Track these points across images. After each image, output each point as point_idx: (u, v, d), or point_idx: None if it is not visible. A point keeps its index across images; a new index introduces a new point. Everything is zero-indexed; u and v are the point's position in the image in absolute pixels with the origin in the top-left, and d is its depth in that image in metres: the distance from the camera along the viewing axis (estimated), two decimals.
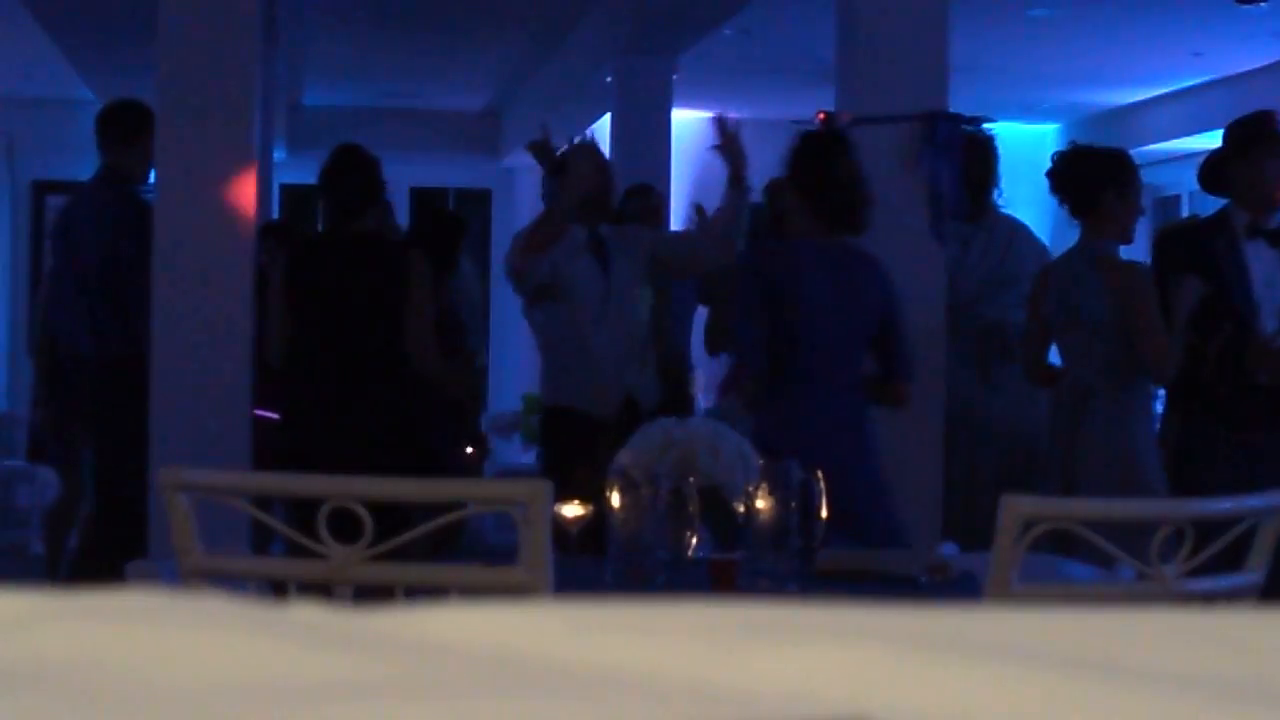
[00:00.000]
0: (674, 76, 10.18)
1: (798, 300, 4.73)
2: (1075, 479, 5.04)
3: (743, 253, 5.53)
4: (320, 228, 7.26)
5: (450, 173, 14.80)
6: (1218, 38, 10.02)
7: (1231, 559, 3.20)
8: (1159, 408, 5.43)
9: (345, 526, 2.83)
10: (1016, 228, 5.90)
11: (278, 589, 3.11)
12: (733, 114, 5.94)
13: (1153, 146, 11.77)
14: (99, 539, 6.16)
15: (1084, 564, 3.78)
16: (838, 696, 0.63)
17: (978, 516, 5.32)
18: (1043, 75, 11.61)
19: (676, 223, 9.84)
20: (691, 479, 3.65)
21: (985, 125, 5.75)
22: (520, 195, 14.60)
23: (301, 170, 13.48)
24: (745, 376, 4.79)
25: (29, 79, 12.44)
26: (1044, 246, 6.04)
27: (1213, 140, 5.56)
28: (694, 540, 3.60)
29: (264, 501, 4.37)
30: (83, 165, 11.52)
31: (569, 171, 5.95)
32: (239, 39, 5.21)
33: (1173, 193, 12.71)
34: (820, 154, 4.89)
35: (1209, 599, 3.18)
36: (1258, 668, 0.69)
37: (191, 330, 5.14)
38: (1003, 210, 5.90)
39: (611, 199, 6.12)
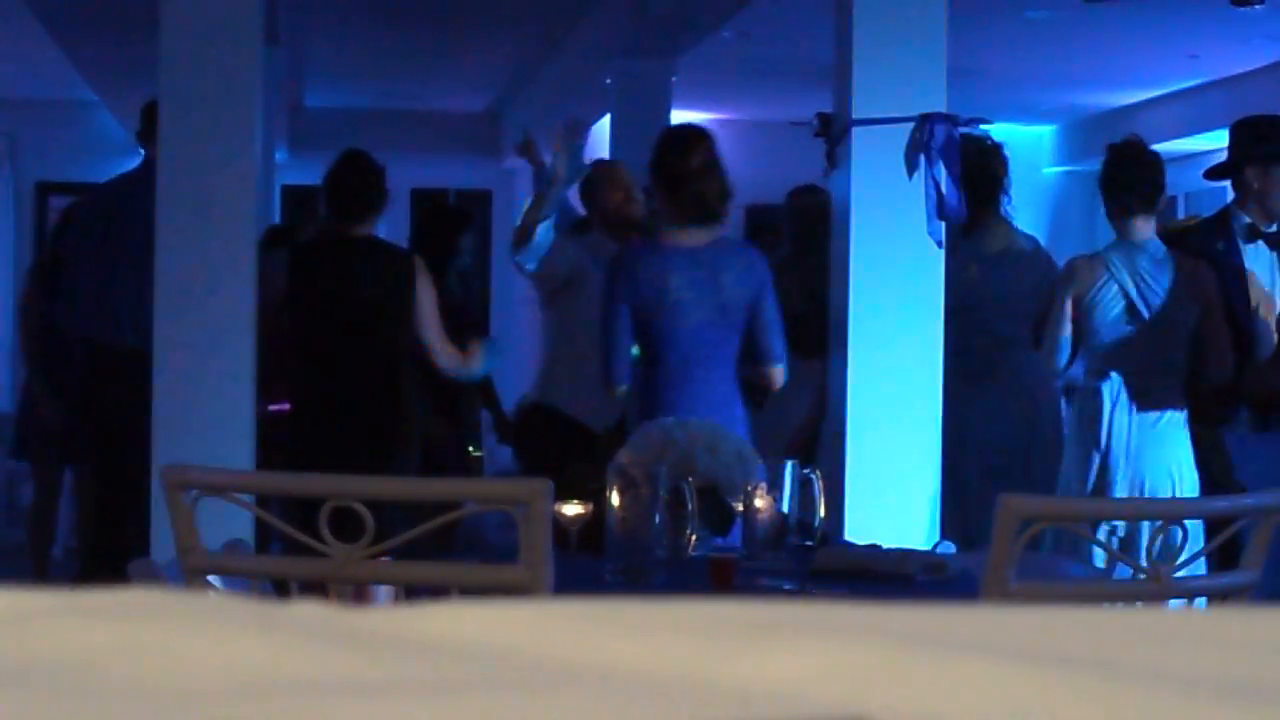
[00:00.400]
0: (673, 79, 10.17)
1: (659, 297, 4.80)
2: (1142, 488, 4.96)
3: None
4: (305, 229, 7.27)
5: (450, 174, 14.79)
6: (1214, 40, 10.01)
7: (1228, 558, 3.21)
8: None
9: (346, 525, 2.83)
10: (1012, 247, 5.79)
11: (279, 587, 3.11)
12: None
13: (1152, 148, 11.76)
14: (106, 536, 6.13)
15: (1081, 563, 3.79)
16: (836, 694, 0.64)
17: (969, 524, 5.32)
18: (1040, 77, 11.60)
19: None
20: (690, 478, 3.65)
21: (982, 127, 5.73)
22: (520, 196, 14.57)
23: (303, 171, 13.47)
24: (607, 378, 4.92)
25: (32, 80, 12.43)
26: (1049, 263, 5.97)
27: (1210, 142, 5.57)
28: (692, 539, 3.60)
29: (266, 500, 4.38)
30: (84, 166, 11.53)
31: (592, 191, 6.00)
32: (240, 40, 5.21)
33: (1169, 194, 12.70)
34: (677, 146, 4.95)
35: (1205, 597, 3.18)
36: (1253, 665, 0.69)
37: (193, 330, 5.14)
38: (1008, 217, 5.82)
39: (637, 213, 6.07)
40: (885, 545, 3.96)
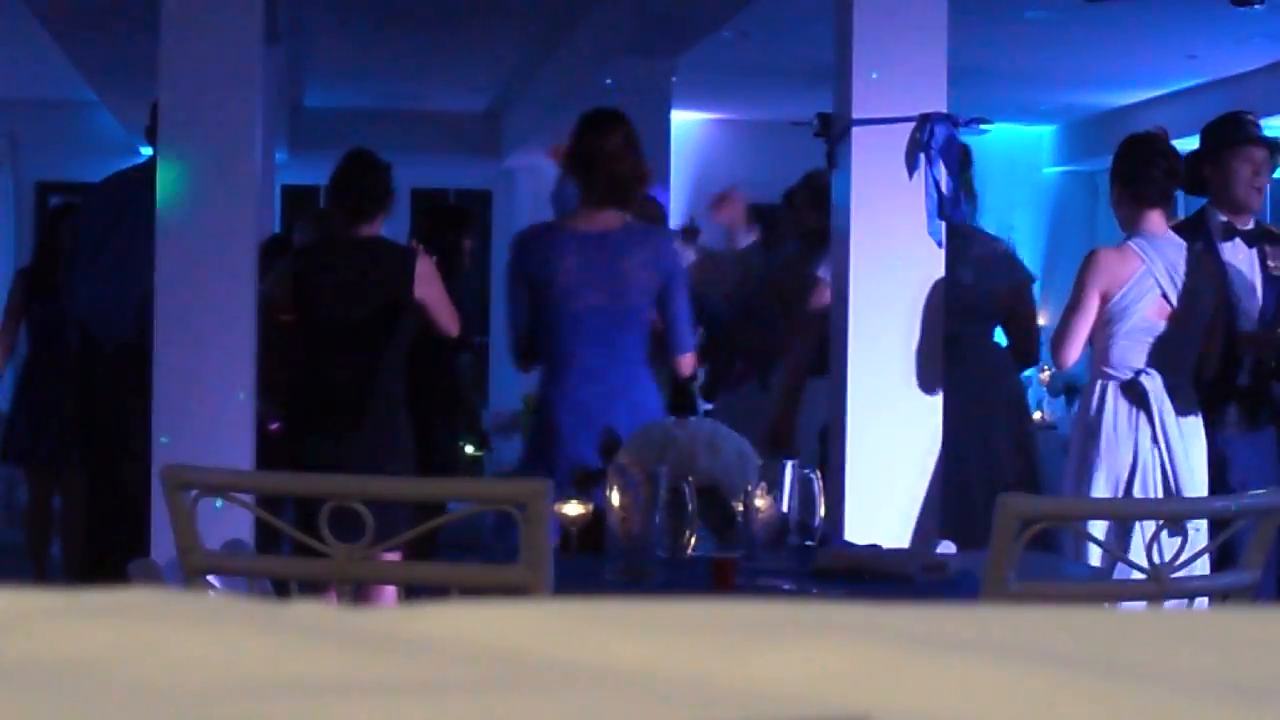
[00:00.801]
0: (673, 79, 10.17)
1: (551, 282, 4.85)
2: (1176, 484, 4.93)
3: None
4: (301, 233, 7.27)
5: (451, 174, 14.80)
6: (1213, 40, 10.02)
7: (1227, 557, 3.21)
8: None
9: (346, 524, 2.83)
10: (975, 243, 5.75)
11: (279, 587, 3.12)
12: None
13: None
14: (109, 539, 6.12)
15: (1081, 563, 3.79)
16: (836, 694, 0.64)
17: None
18: (1040, 77, 11.60)
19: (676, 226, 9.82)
20: (690, 478, 3.65)
21: (982, 127, 5.73)
22: (520, 196, 14.59)
23: (303, 172, 13.49)
24: (513, 359, 5.09)
25: (33, 80, 12.43)
26: (1017, 265, 5.94)
27: None
28: (693, 539, 3.60)
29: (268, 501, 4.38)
30: (84, 166, 11.53)
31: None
32: (240, 41, 5.21)
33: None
34: (593, 127, 4.98)
35: (1205, 597, 3.18)
36: (1253, 665, 0.69)
37: (193, 330, 5.14)
38: (975, 220, 5.80)
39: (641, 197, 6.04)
40: (885, 545, 3.96)
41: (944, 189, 5.27)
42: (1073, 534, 4.43)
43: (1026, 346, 5.84)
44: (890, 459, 5.29)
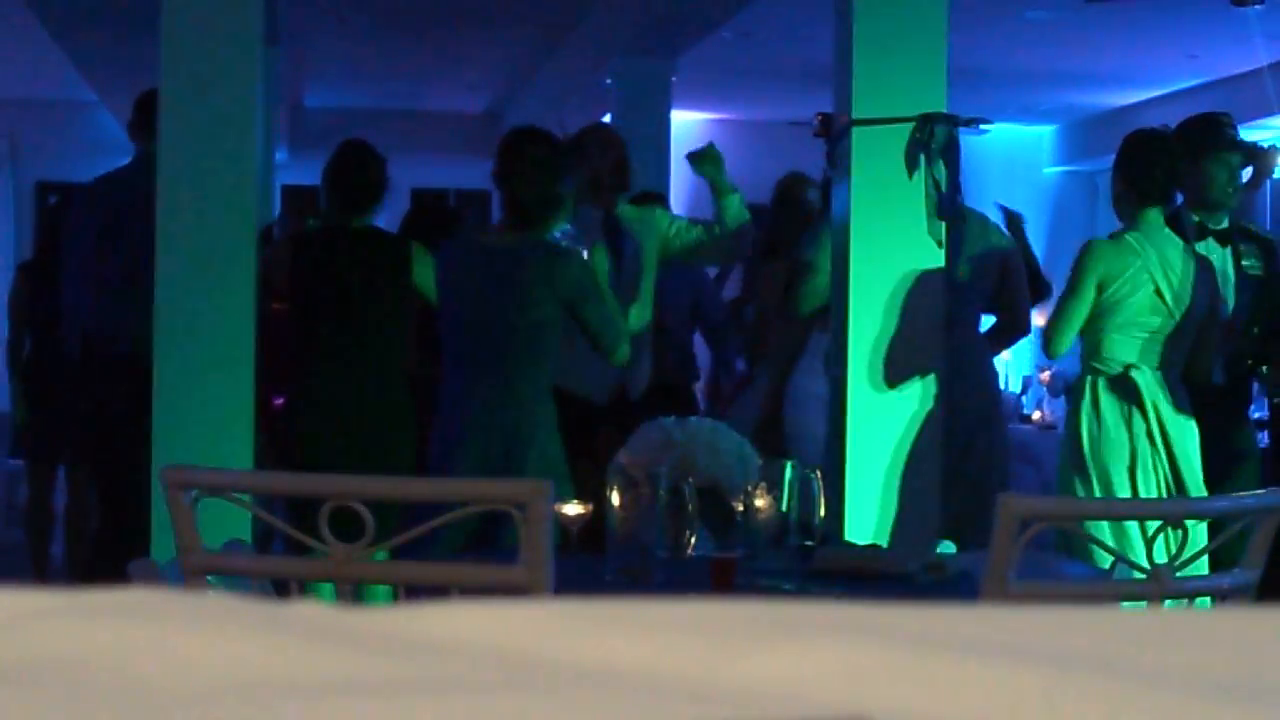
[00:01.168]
0: (673, 79, 10.17)
1: (451, 295, 4.90)
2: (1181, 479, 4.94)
3: None
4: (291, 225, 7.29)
5: (450, 174, 14.80)
6: (1214, 40, 10.02)
7: (1227, 557, 3.21)
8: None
9: (345, 523, 2.83)
10: (963, 225, 5.79)
11: (279, 587, 3.11)
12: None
13: None
14: (111, 539, 6.12)
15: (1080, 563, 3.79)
16: (836, 694, 0.64)
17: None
18: (1040, 77, 11.61)
19: None
20: (691, 478, 3.65)
21: (982, 126, 5.74)
22: None
23: (303, 171, 13.48)
24: None
25: (33, 81, 12.44)
26: (1002, 240, 5.93)
27: None
28: (692, 539, 3.60)
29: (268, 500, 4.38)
30: (84, 166, 11.54)
31: (580, 151, 5.90)
32: (241, 40, 5.21)
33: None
34: (504, 146, 4.97)
35: (1205, 597, 3.18)
36: (1253, 666, 0.69)
37: (193, 330, 5.14)
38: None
39: (627, 179, 5.99)
40: (885, 545, 3.97)
41: (944, 189, 5.27)
42: (1075, 534, 4.43)
43: (1014, 316, 5.86)
44: (890, 459, 5.29)
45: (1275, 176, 6.83)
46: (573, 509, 3.59)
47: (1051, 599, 2.99)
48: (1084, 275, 5.04)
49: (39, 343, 7.70)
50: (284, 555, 4.17)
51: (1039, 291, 6.43)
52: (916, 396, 5.33)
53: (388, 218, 6.13)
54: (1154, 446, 4.95)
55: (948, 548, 3.93)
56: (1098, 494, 4.95)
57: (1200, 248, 5.31)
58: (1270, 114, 9.94)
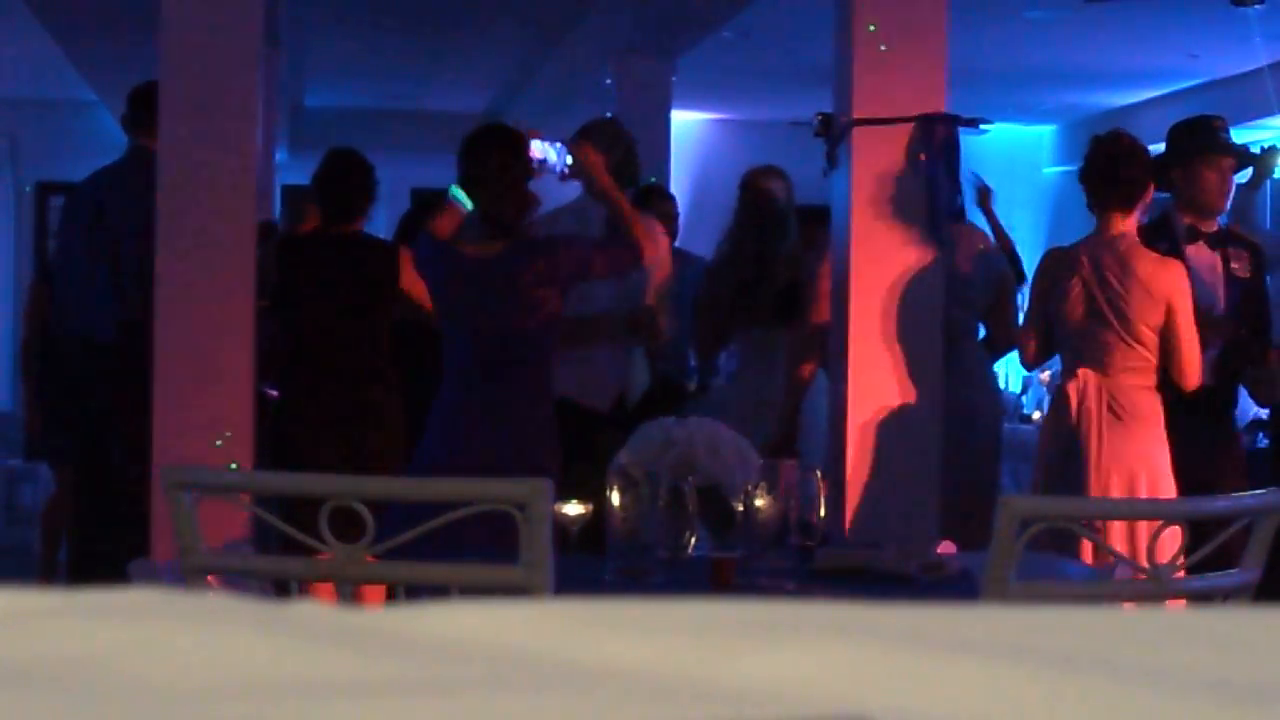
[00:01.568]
0: (673, 79, 10.17)
1: (437, 298, 4.92)
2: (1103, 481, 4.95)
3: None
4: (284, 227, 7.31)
5: (451, 174, 14.72)
6: (1214, 40, 10.02)
7: (1227, 557, 3.20)
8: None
9: (342, 523, 2.83)
10: (969, 237, 5.86)
11: (279, 587, 3.11)
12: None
13: (1149, 148, 11.76)
14: (102, 534, 6.12)
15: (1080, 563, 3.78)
16: (836, 694, 0.64)
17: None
18: (1040, 77, 11.60)
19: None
20: (690, 478, 3.65)
21: (982, 126, 5.75)
22: None
23: (303, 171, 13.44)
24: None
25: (33, 81, 12.43)
26: (1001, 260, 6.08)
27: None
28: (692, 539, 3.60)
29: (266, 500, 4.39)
30: (84, 166, 11.52)
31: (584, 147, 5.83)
32: (241, 41, 5.21)
33: (1166, 194, 12.69)
34: (478, 153, 4.97)
35: (1205, 597, 3.18)
36: (1253, 666, 0.69)
37: (193, 330, 5.14)
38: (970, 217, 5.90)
39: (634, 173, 5.91)
40: (884, 545, 3.96)
41: (944, 189, 5.27)
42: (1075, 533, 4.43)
43: (1004, 334, 5.96)
44: (890, 459, 5.29)
45: (1275, 177, 6.83)
46: (573, 509, 3.59)
47: (1051, 599, 2.98)
48: (1033, 285, 5.22)
49: (46, 343, 7.72)
50: (284, 555, 4.17)
51: (1018, 274, 6.50)
52: (916, 396, 5.32)
53: (389, 217, 6.14)
54: (1076, 453, 4.98)
55: (947, 548, 3.93)
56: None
57: (1191, 251, 5.31)
58: (1270, 114, 9.93)
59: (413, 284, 5.69)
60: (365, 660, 0.67)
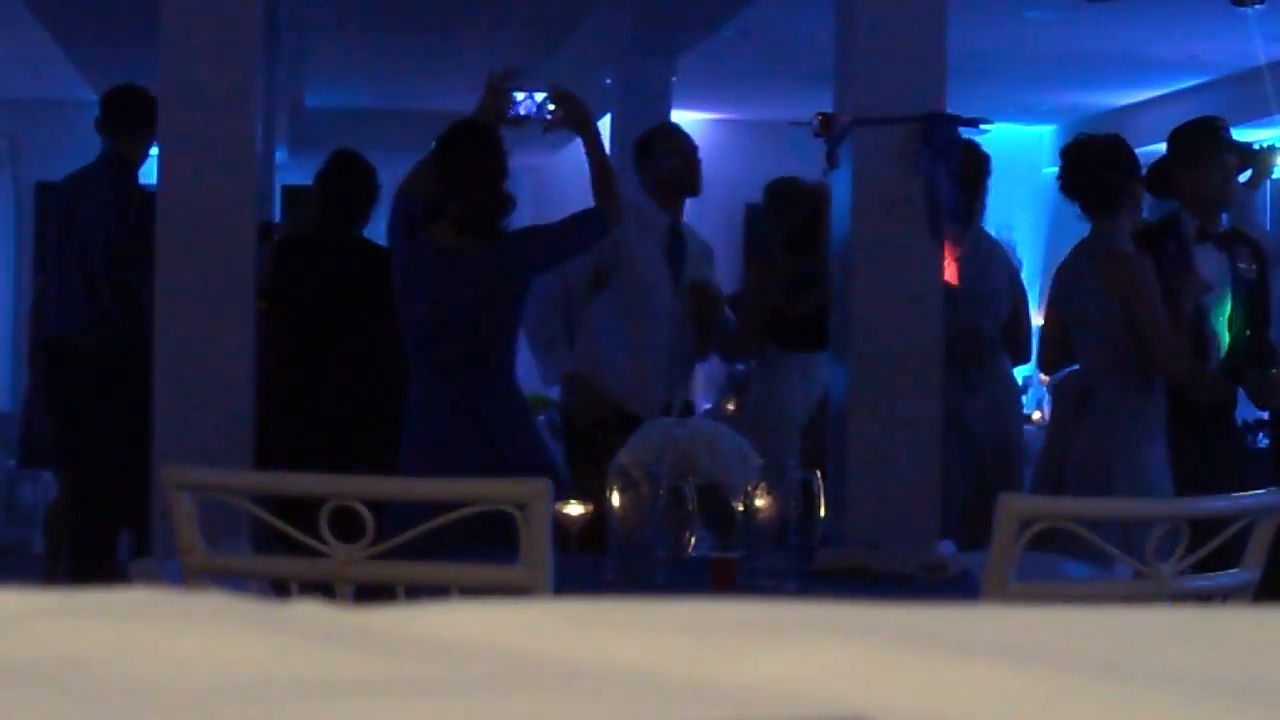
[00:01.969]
0: (674, 78, 10.16)
1: (416, 295, 4.88)
2: (1063, 479, 5.02)
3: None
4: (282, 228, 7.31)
5: None
6: (1213, 40, 10.02)
7: (1227, 557, 3.20)
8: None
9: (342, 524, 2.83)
10: (994, 248, 5.90)
11: (279, 587, 3.11)
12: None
13: (1149, 148, 11.74)
14: (92, 534, 6.15)
15: (1080, 563, 3.78)
16: (836, 694, 0.64)
17: (951, 515, 5.36)
18: (1040, 76, 11.60)
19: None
20: (690, 478, 3.65)
21: (983, 127, 5.73)
22: (520, 196, 14.56)
23: (303, 171, 13.45)
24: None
25: (33, 81, 12.43)
26: (1017, 267, 6.11)
27: None
28: (693, 539, 3.60)
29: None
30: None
31: (649, 153, 5.79)
32: (240, 41, 5.21)
33: (1173, 199, 12.67)
34: (455, 150, 4.90)
35: (1205, 597, 3.18)
36: (1253, 666, 0.69)
37: (192, 330, 5.14)
38: (984, 223, 5.90)
39: (695, 183, 5.87)
40: (885, 545, 3.97)
41: (944, 189, 5.27)
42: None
43: (1021, 339, 6.02)
44: (890, 459, 5.29)
45: (1275, 176, 6.83)
46: (573, 509, 3.59)
47: (1051, 599, 2.98)
48: (1049, 299, 5.36)
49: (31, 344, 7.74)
50: (284, 555, 4.17)
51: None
52: (917, 396, 5.32)
53: (367, 222, 6.14)
54: (1050, 450, 5.07)
55: (947, 548, 3.93)
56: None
57: (1199, 251, 5.33)
58: (1270, 114, 9.93)
59: None
60: (365, 660, 0.67)
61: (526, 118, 5.16)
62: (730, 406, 7.68)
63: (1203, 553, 3.07)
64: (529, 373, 5.49)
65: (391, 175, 5.96)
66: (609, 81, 10.27)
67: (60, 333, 6.18)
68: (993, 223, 5.96)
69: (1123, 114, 12.46)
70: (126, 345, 5.90)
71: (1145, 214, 5.62)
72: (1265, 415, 6.14)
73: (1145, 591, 2.99)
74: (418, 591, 2.94)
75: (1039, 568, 3.36)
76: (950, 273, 5.48)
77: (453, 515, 2.85)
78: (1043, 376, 9.88)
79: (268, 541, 5.71)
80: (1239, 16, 8.56)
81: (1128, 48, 10.48)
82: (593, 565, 3.39)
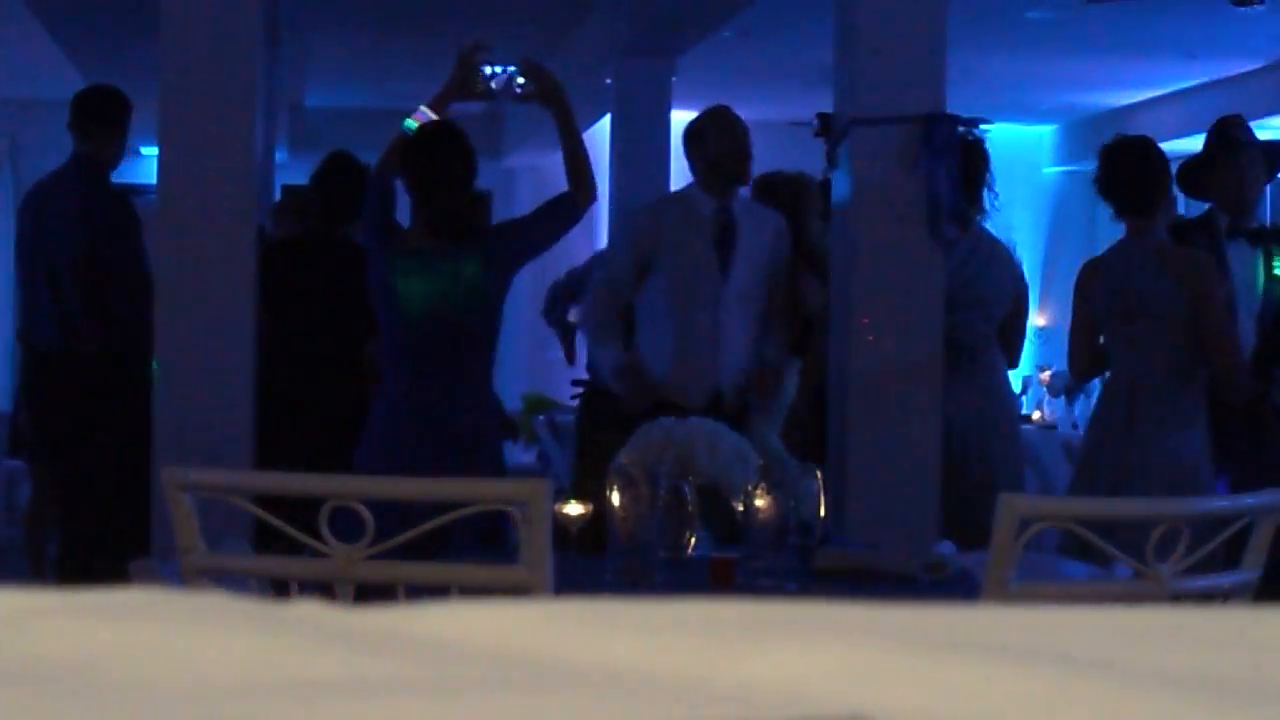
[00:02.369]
0: (673, 79, 10.16)
1: (388, 294, 4.86)
2: (1129, 477, 4.97)
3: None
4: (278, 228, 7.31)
5: None
6: (1213, 40, 10.02)
7: (1228, 557, 3.21)
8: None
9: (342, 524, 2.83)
10: (995, 249, 5.81)
11: (279, 587, 3.11)
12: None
13: (1160, 146, 11.75)
14: (76, 540, 6.16)
15: (1083, 563, 3.78)
16: (836, 694, 0.64)
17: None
18: (1040, 77, 11.59)
19: None
20: (690, 478, 3.65)
21: (982, 127, 5.73)
22: (520, 196, 14.58)
23: (303, 171, 13.46)
24: None
25: (32, 81, 12.42)
26: (1020, 270, 6.01)
27: None
28: (693, 539, 3.60)
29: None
30: None
31: (701, 137, 5.71)
32: (240, 41, 5.21)
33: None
34: (424, 153, 4.90)
35: (1205, 597, 3.18)
36: (1253, 666, 0.69)
37: (193, 330, 5.14)
38: (986, 224, 5.83)
39: (746, 170, 5.81)
40: (885, 545, 3.97)
41: (944, 189, 5.27)
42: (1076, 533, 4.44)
43: (1018, 343, 5.96)
44: (890, 459, 5.28)
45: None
46: (573, 509, 3.59)
47: (1051, 599, 2.99)
48: (1076, 300, 5.29)
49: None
50: (284, 555, 4.17)
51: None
52: (917, 396, 5.32)
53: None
54: (1127, 452, 5.06)
55: (947, 548, 3.93)
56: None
57: (1232, 249, 5.35)
58: (1271, 114, 9.93)
59: None
60: (365, 660, 0.67)
61: (497, 91, 5.11)
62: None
63: (1202, 553, 3.07)
64: (529, 376, 5.48)
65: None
66: (609, 81, 10.27)
67: (31, 339, 6.23)
68: (993, 223, 5.91)
69: (1123, 114, 12.46)
70: (94, 351, 5.93)
71: (1180, 210, 5.64)
72: None
73: (1145, 591, 2.99)
74: (418, 591, 2.93)
75: (1039, 568, 3.37)
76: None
77: (453, 515, 2.86)
78: (1043, 377, 9.89)
79: (267, 541, 5.72)
80: (1239, 17, 8.56)
81: (1127, 48, 10.48)
82: (593, 565, 3.39)
